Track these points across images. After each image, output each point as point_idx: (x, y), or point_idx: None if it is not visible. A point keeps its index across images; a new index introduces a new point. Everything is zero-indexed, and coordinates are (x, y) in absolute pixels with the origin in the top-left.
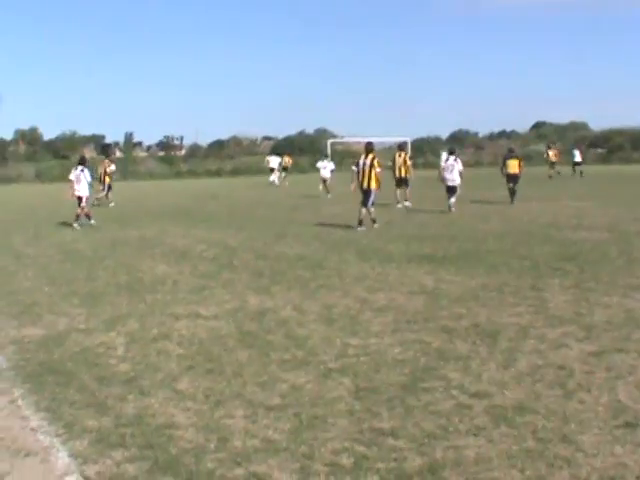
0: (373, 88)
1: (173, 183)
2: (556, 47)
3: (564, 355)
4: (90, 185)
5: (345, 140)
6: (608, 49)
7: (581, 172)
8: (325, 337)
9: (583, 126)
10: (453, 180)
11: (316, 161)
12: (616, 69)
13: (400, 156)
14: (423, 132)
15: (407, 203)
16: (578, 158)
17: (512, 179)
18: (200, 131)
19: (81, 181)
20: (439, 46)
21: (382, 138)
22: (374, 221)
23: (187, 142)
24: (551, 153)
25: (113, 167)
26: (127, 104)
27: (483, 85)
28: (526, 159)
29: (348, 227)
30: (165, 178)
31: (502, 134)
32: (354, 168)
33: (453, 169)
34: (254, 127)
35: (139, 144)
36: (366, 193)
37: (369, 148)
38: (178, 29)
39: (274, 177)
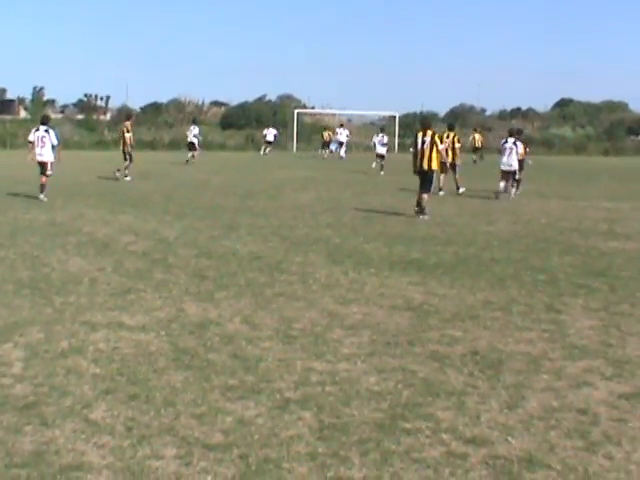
0: (352, 51)
1: (94, 154)
2: (586, 9)
3: (587, 396)
4: (54, 148)
5: (315, 111)
6: None
7: (481, 157)
8: (282, 359)
9: (621, 106)
10: (510, 165)
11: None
12: None
13: (448, 137)
14: (415, 106)
15: (462, 189)
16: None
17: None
18: (131, 90)
19: (45, 144)
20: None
21: (363, 111)
22: (423, 211)
23: (114, 104)
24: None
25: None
26: (36, 51)
27: (492, 51)
28: (546, 145)
29: (316, 220)
30: (84, 148)
31: (516, 113)
32: (412, 150)
33: (511, 153)
34: (200, 89)
35: (51, 102)
36: (426, 175)
37: (426, 123)
38: None
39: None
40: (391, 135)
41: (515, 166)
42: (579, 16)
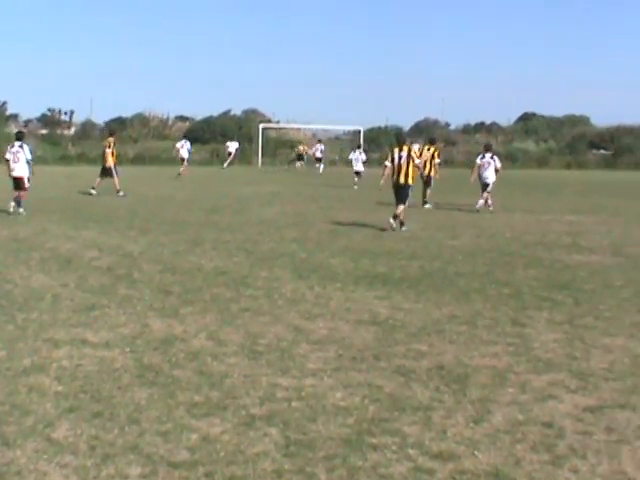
0: (316, 65)
1: (58, 169)
2: (551, 25)
3: (552, 409)
4: (29, 164)
5: (280, 126)
6: (617, 27)
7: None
8: (248, 375)
9: (583, 120)
10: (487, 178)
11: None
12: (628, 53)
13: (429, 150)
14: (380, 120)
15: (428, 205)
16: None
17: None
18: (96, 105)
19: (19, 160)
20: (401, 16)
21: (328, 125)
22: (402, 223)
23: (78, 118)
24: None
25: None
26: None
27: (457, 65)
28: (510, 159)
29: (281, 235)
30: (47, 163)
31: (480, 127)
32: (387, 164)
33: (489, 167)
34: (165, 103)
35: (14, 117)
36: (403, 189)
37: (402, 139)
38: None
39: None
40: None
41: (491, 179)
42: (542, 31)
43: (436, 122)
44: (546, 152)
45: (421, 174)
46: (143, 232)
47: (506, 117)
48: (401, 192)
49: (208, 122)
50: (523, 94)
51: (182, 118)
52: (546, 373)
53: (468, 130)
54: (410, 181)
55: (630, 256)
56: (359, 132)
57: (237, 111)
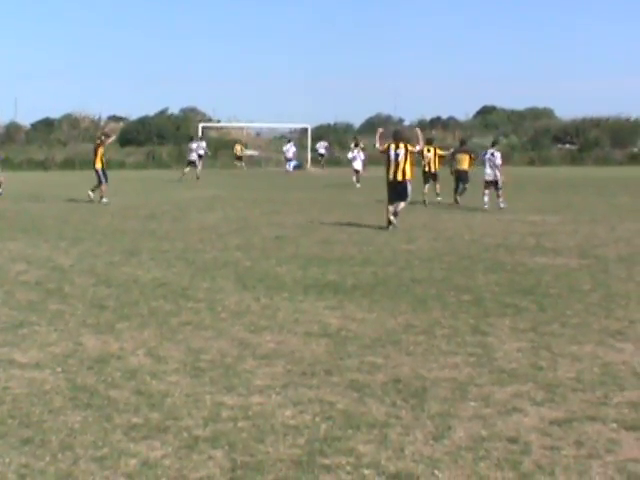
0: (258, 60)
1: None
2: (511, 11)
3: (517, 423)
4: None
5: (222, 125)
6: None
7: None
8: (190, 394)
9: (547, 113)
10: (495, 175)
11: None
12: (590, 41)
13: (429, 151)
14: (328, 117)
15: (439, 198)
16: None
17: (461, 177)
18: (20, 106)
19: None
20: (349, 4)
21: (273, 124)
22: (395, 217)
23: (2, 119)
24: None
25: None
26: None
27: (409, 57)
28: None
29: (224, 242)
30: None
31: (436, 122)
32: (378, 146)
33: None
34: (96, 103)
35: None
36: (401, 185)
37: (398, 136)
38: None
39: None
40: (303, 148)
41: (497, 176)
42: (498, 18)
43: (389, 118)
44: (507, 148)
45: (427, 172)
46: (75, 242)
47: (464, 111)
48: (398, 189)
49: (143, 122)
50: (482, 86)
51: (115, 118)
52: (510, 385)
53: (423, 125)
54: (408, 177)
55: (598, 257)
56: (306, 130)
57: (174, 110)
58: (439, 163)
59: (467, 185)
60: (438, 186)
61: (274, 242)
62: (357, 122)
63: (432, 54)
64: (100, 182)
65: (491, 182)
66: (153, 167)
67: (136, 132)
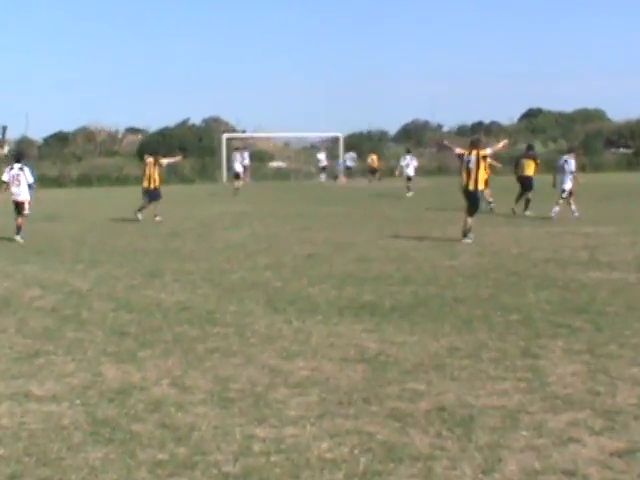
0: (286, 65)
1: None
2: (553, 7)
3: (574, 454)
4: (31, 187)
5: (247, 135)
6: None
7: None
8: (219, 426)
9: (598, 115)
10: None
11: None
12: None
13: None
14: (362, 125)
15: (492, 205)
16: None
17: (524, 183)
18: (32, 120)
19: (21, 183)
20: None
21: (302, 133)
22: (466, 234)
23: (12, 135)
24: (374, 158)
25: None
26: None
27: (447, 59)
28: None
29: (252, 262)
30: None
31: (477, 127)
32: (458, 150)
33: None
34: (113, 115)
35: None
36: (474, 195)
37: (475, 143)
38: None
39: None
40: (336, 158)
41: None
42: (543, 14)
43: (426, 124)
44: (556, 154)
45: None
46: (92, 264)
47: (508, 115)
48: (470, 198)
49: (163, 134)
50: (527, 88)
51: (134, 130)
52: (565, 412)
53: (464, 131)
54: (480, 186)
55: None
56: (338, 139)
57: (196, 120)
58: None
59: (530, 195)
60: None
61: (306, 260)
62: (392, 129)
63: (471, 54)
64: (149, 201)
65: (564, 190)
66: (175, 182)
67: (156, 145)
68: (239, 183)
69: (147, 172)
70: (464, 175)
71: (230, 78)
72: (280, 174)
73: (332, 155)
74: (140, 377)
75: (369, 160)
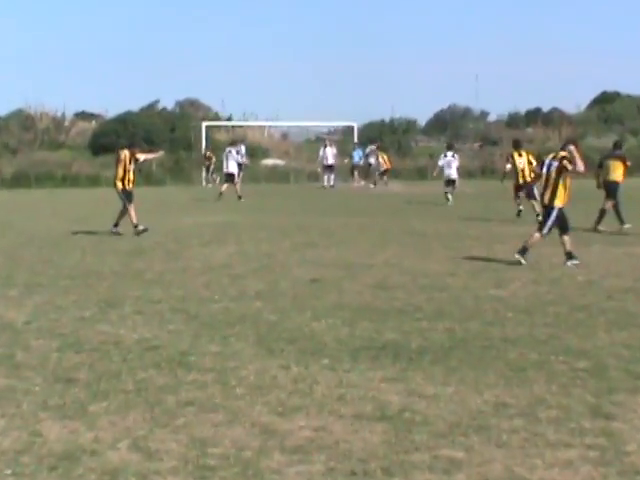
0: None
1: None
2: None
3: None
4: None
5: (234, 123)
6: None
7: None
8: None
9: None
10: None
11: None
12: None
13: (521, 155)
14: (384, 111)
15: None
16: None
17: (610, 189)
18: None
19: None
20: None
21: (306, 122)
22: (570, 256)
23: None
24: (386, 158)
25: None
26: None
27: (494, 30)
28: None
29: (239, 288)
30: None
31: (534, 115)
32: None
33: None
34: (58, 95)
35: None
36: (545, 210)
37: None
38: None
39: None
40: (346, 154)
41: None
42: None
43: (467, 112)
44: (637, 150)
45: (522, 184)
46: (30, 290)
47: (574, 101)
48: (544, 214)
49: (124, 121)
50: (599, 67)
51: (85, 116)
52: None
53: (516, 121)
54: (557, 202)
55: None
56: (352, 129)
57: (168, 103)
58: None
59: (609, 205)
60: (536, 204)
61: (309, 287)
62: (422, 117)
63: (526, 25)
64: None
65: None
66: (139, 183)
67: (114, 135)
68: (226, 187)
69: (121, 170)
70: (543, 184)
71: (212, 51)
72: (276, 174)
73: (343, 151)
74: (91, 438)
75: (380, 159)
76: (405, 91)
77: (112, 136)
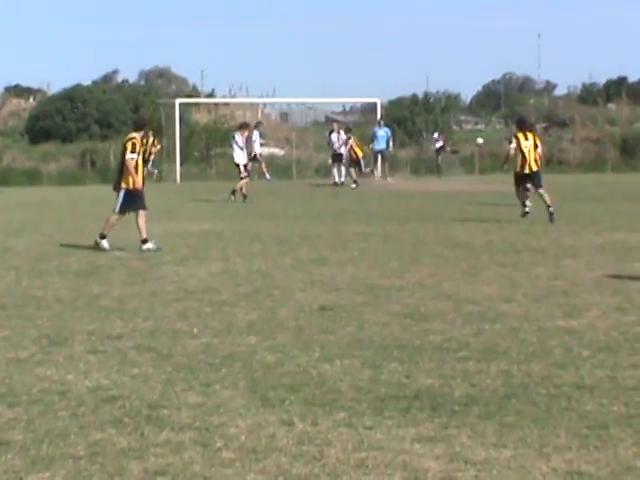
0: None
1: None
2: None
3: None
4: None
5: (219, 100)
6: None
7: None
8: None
9: None
10: None
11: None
12: None
13: (527, 138)
14: (416, 85)
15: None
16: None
17: None
18: None
19: None
20: None
21: (311, 99)
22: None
23: None
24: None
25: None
26: None
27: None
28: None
29: (226, 318)
30: None
31: (617, 89)
32: (512, 146)
33: None
34: None
35: None
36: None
37: (523, 125)
38: None
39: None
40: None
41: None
42: None
43: (527, 82)
44: None
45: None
46: None
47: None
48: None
49: (72, 97)
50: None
51: (20, 90)
52: None
53: (593, 96)
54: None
55: None
56: (375, 106)
57: (130, 75)
58: (537, 159)
59: None
60: (544, 192)
61: (318, 317)
62: (468, 91)
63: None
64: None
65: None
66: (93, 180)
67: (59, 116)
68: (244, 183)
69: (139, 162)
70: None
71: (187, 4)
72: (274, 167)
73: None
74: None
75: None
76: (444, 57)
77: (56, 118)
